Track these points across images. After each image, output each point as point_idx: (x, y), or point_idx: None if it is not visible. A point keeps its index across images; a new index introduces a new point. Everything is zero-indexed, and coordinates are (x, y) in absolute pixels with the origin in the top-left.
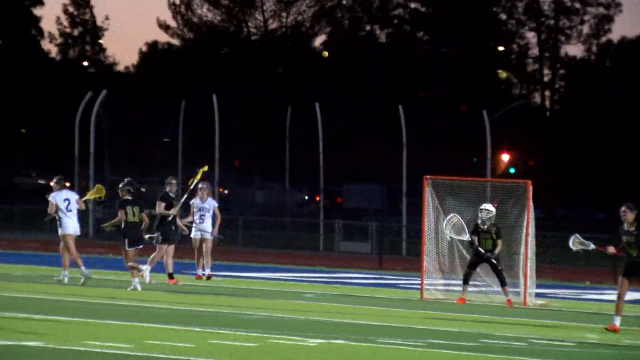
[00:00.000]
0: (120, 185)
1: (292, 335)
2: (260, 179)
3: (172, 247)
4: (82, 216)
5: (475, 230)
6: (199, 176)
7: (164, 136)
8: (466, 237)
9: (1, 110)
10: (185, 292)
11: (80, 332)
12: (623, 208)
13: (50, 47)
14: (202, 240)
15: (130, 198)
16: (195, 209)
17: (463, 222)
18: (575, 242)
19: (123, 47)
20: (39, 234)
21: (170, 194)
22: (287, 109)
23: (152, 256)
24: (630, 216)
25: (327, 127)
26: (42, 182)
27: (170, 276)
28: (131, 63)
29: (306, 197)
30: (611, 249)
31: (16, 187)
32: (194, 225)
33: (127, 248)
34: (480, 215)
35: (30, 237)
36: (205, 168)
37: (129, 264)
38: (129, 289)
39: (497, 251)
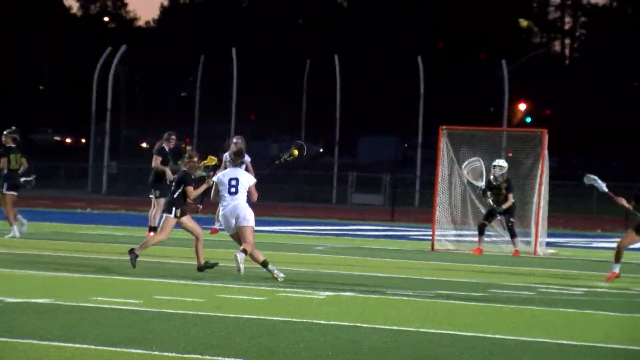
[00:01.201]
0: (5, 132)
1: (301, 288)
2: (276, 132)
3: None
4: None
5: (488, 185)
6: (204, 164)
7: (182, 91)
8: (481, 184)
9: (21, 67)
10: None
11: (89, 288)
12: None
13: (72, 3)
14: None
15: (13, 145)
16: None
17: (484, 169)
18: (589, 178)
19: (144, 2)
20: (53, 190)
21: (167, 149)
22: (306, 61)
23: (152, 213)
24: None
25: (344, 79)
26: (57, 138)
27: (154, 229)
28: (152, 18)
29: (321, 150)
30: (622, 201)
31: (32, 144)
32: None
33: (4, 191)
34: (493, 171)
35: (45, 194)
36: (215, 161)
37: (9, 210)
38: (6, 237)
39: (505, 205)
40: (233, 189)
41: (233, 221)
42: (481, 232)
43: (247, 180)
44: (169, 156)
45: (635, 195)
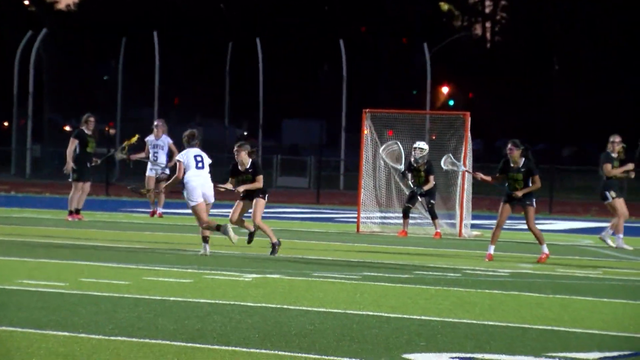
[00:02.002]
0: None
1: (227, 270)
2: (200, 116)
3: (87, 185)
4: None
5: (409, 167)
6: (127, 144)
7: (104, 75)
8: (400, 167)
9: None
10: (122, 230)
11: (15, 271)
12: (509, 145)
13: None
14: (157, 178)
15: None
16: (149, 146)
17: (402, 152)
18: (446, 162)
19: None
20: None
21: (87, 132)
22: (228, 45)
23: (70, 196)
24: (516, 153)
25: (268, 63)
26: None
27: (77, 212)
28: (72, 1)
29: (245, 134)
30: (480, 175)
31: None
32: (149, 163)
33: None
34: (413, 153)
35: None
36: (135, 139)
37: None
38: None
39: (426, 187)
40: (200, 164)
41: (201, 192)
42: (406, 215)
43: (207, 157)
44: (88, 138)
45: (500, 168)
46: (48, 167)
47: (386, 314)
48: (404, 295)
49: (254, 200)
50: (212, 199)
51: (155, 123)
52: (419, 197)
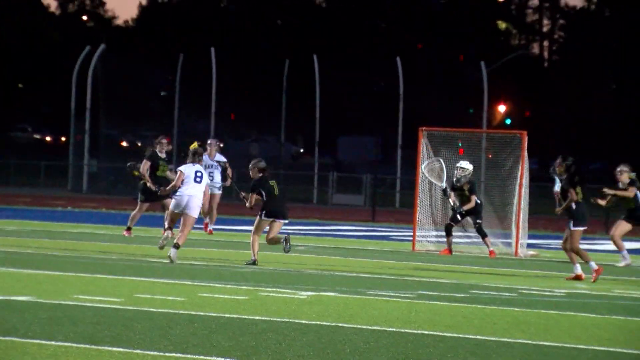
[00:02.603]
0: None
1: (282, 287)
2: (255, 132)
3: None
4: (79, 171)
5: (452, 186)
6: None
7: (161, 90)
8: (442, 184)
9: (0, 65)
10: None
11: (71, 286)
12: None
13: (50, 1)
14: (211, 195)
15: None
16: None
17: (443, 169)
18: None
19: (122, 1)
20: (33, 189)
21: (159, 154)
22: (285, 61)
23: (133, 214)
24: (560, 168)
25: (324, 80)
26: (37, 136)
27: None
28: (130, 17)
29: (301, 150)
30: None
31: (11, 141)
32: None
33: None
34: (455, 172)
35: (25, 192)
36: (195, 146)
37: None
38: None
39: (466, 207)
40: (198, 179)
41: (185, 204)
42: (448, 233)
43: (206, 174)
44: (159, 161)
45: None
46: (104, 182)
47: (441, 333)
48: (459, 314)
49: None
50: (194, 213)
51: (209, 142)
52: (462, 216)
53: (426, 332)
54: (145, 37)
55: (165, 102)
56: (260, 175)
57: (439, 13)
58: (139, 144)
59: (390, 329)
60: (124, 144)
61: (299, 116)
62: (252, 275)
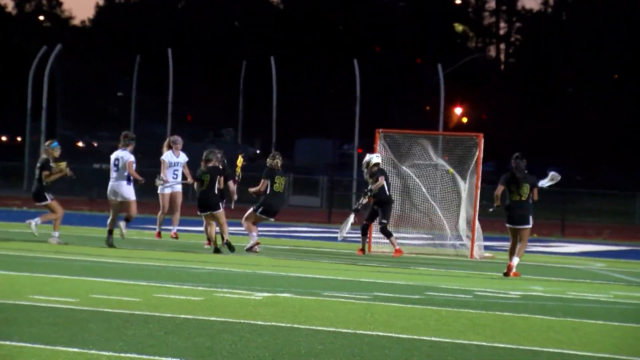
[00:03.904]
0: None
1: (238, 288)
2: (213, 134)
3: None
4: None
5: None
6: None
7: (118, 91)
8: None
9: None
10: (132, 247)
11: (27, 286)
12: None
13: (7, 1)
14: (175, 194)
15: None
16: (167, 165)
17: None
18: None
19: (79, 1)
20: None
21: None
22: (242, 63)
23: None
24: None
25: (281, 81)
26: None
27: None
28: (87, 17)
29: (258, 152)
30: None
31: None
32: (164, 181)
33: None
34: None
35: None
36: (241, 161)
37: None
38: None
39: (374, 186)
40: (114, 167)
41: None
42: (364, 233)
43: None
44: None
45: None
46: (61, 183)
47: (397, 335)
48: (415, 316)
49: None
50: (119, 198)
51: (173, 139)
52: (365, 197)
53: (382, 334)
54: (103, 37)
55: (122, 103)
56: (207, 165)
57: (396, 15)
58: (95, 145)
59: (346, 331)
60: (81, 144)
61: (256, 118)
62: (208, 276)
